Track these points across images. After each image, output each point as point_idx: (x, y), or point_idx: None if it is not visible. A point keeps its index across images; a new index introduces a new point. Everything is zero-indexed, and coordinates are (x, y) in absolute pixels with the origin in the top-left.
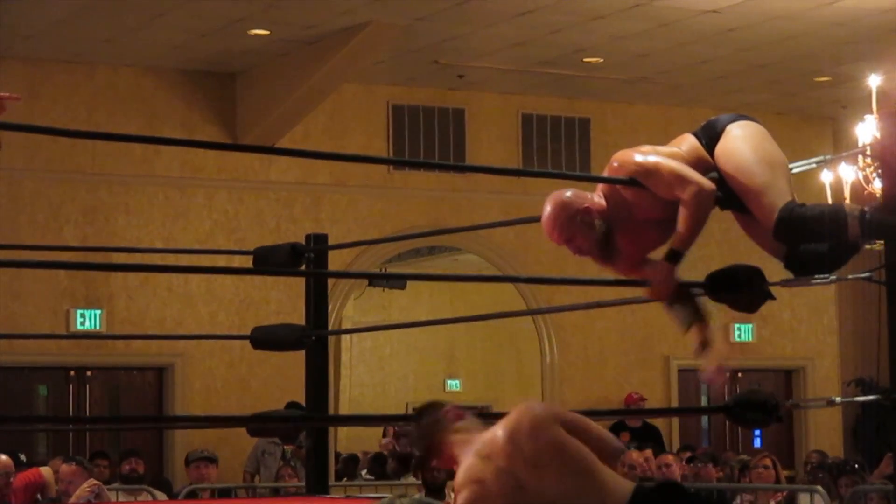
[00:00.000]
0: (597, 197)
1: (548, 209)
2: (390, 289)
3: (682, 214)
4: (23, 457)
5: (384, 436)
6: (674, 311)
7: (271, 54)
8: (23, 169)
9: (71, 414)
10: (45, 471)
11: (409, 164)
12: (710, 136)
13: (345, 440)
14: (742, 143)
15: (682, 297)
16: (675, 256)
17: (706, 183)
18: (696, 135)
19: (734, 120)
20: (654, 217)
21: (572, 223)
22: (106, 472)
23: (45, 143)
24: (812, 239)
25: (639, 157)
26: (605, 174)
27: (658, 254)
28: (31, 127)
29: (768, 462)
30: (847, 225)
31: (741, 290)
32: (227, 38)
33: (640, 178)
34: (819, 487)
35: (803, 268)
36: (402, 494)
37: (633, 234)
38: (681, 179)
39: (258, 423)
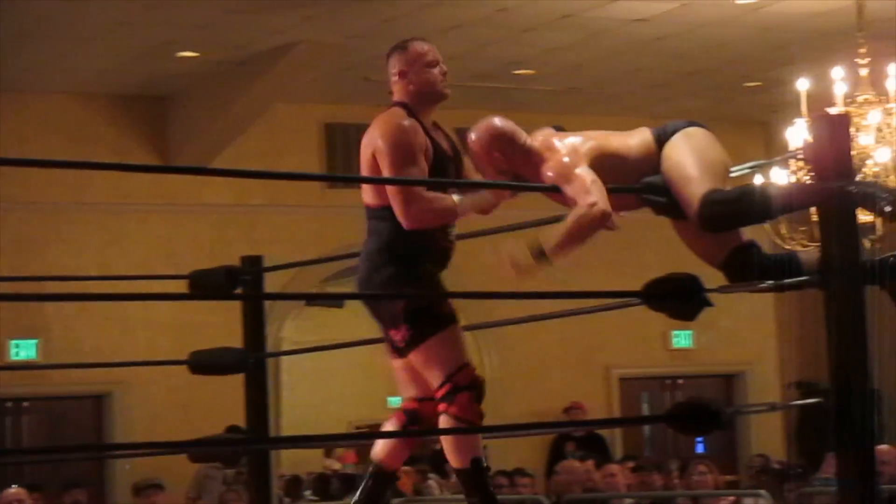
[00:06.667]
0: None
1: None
2: (328, 307)
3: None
4: None
5: (327, 456)
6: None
7: (201, 76)
8: None
9: (8, 446)
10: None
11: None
12: (662, 138)
13: (287, 462)
14: (683, 146)
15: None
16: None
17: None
18: (652, 131)
19: (685, 126)
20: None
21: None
22: None
23: None
24: (736, 222)
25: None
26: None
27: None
28: None
29: (704, 468)
30: (761, 200)
31: (679, 298)
32: (156, 61)
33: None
34: (763, 491)
35: (739, 274)
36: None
37: None
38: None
39: (199, 449)
